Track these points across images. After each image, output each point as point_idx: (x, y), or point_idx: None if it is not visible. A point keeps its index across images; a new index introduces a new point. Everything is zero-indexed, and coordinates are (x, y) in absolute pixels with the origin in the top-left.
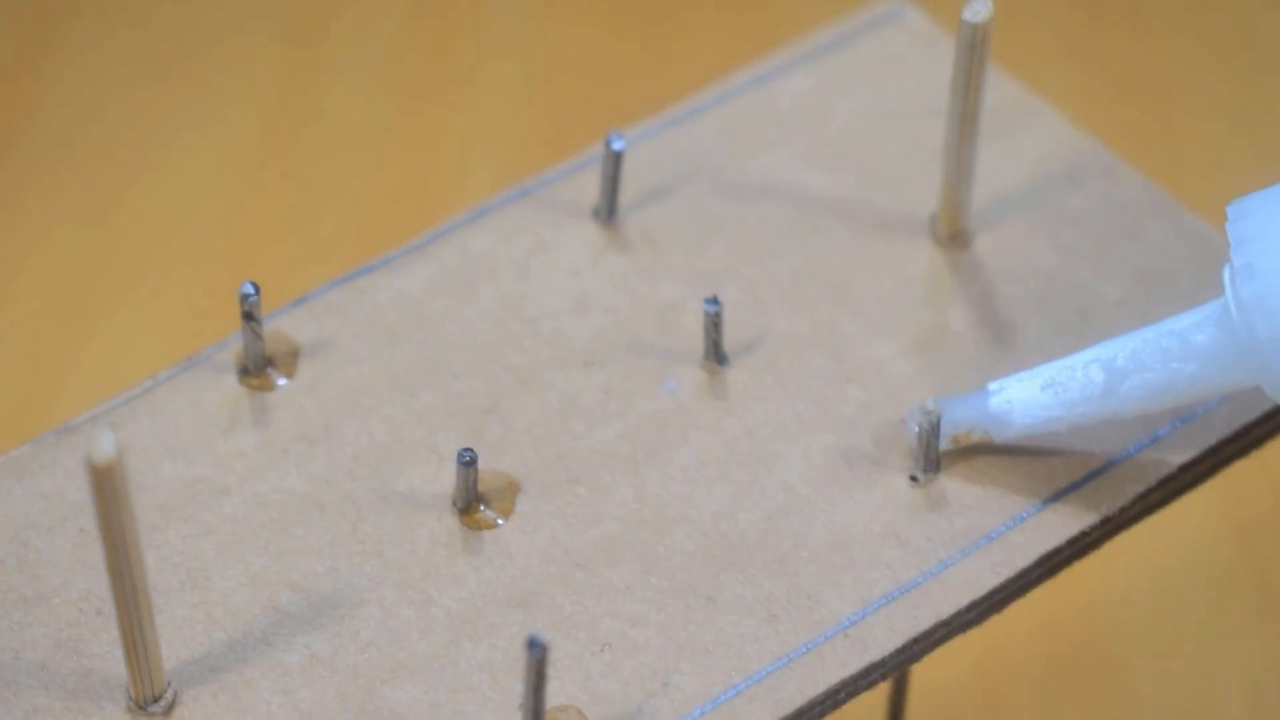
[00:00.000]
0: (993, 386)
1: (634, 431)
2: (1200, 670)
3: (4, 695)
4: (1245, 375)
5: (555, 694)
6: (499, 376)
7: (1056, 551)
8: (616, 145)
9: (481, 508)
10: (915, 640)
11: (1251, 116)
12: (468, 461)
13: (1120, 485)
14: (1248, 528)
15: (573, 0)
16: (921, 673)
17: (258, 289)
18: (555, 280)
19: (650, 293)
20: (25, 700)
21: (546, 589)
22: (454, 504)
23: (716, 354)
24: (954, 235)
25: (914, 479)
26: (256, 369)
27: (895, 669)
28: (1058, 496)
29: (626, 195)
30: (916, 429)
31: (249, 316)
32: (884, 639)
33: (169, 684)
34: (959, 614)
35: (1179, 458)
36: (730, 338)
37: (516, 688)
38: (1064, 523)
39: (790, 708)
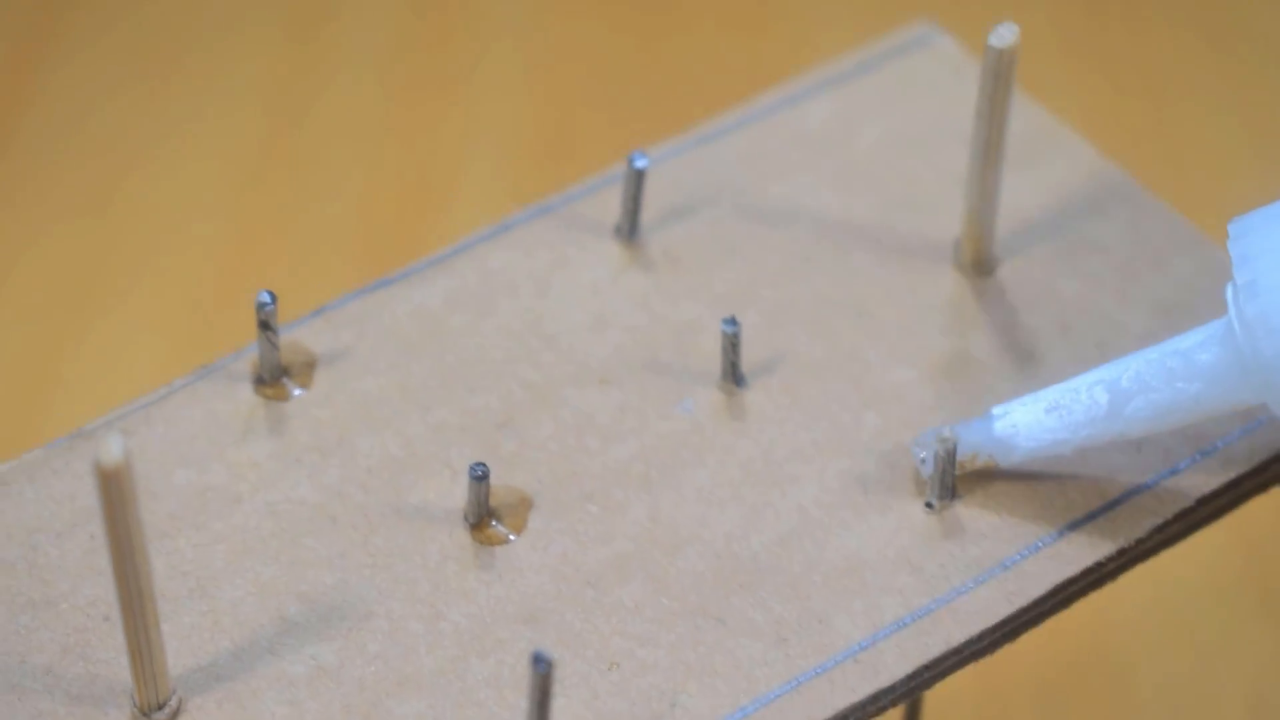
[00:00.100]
0: (997, 411)
1: (649, 451)
2: (1203, 678)
3: (9, 699)
4: (1250, 393)
5: (562, 712)
6: (515, 392)
7: (1071, 582)
8: (640, 164)
9: (493, 523)
10: (926, 667)
11: (1252, 114)
12: (480, 476)
13: (1137, 517)
14: (1252, 535)
15: None
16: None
17: (274, 298)
18: (574, 297)
19: (669, 312)
20: (30, 704)
21: (556, 606)
22: (466, 519)
23: (734, 375)
24: (977, 262)
25: (929, 505)
26: (272, 379)
27: (905, 696)
28: (1074, 526)
29: (648, 214)
30: (922, 456)
31: (265, 325)
32: (894, 665)
33: (174, 691)
34: (970, 642)
35: (1197, 491)
36: (748, 359)
37: (523, 704)
38: (1079, 553)
39: None
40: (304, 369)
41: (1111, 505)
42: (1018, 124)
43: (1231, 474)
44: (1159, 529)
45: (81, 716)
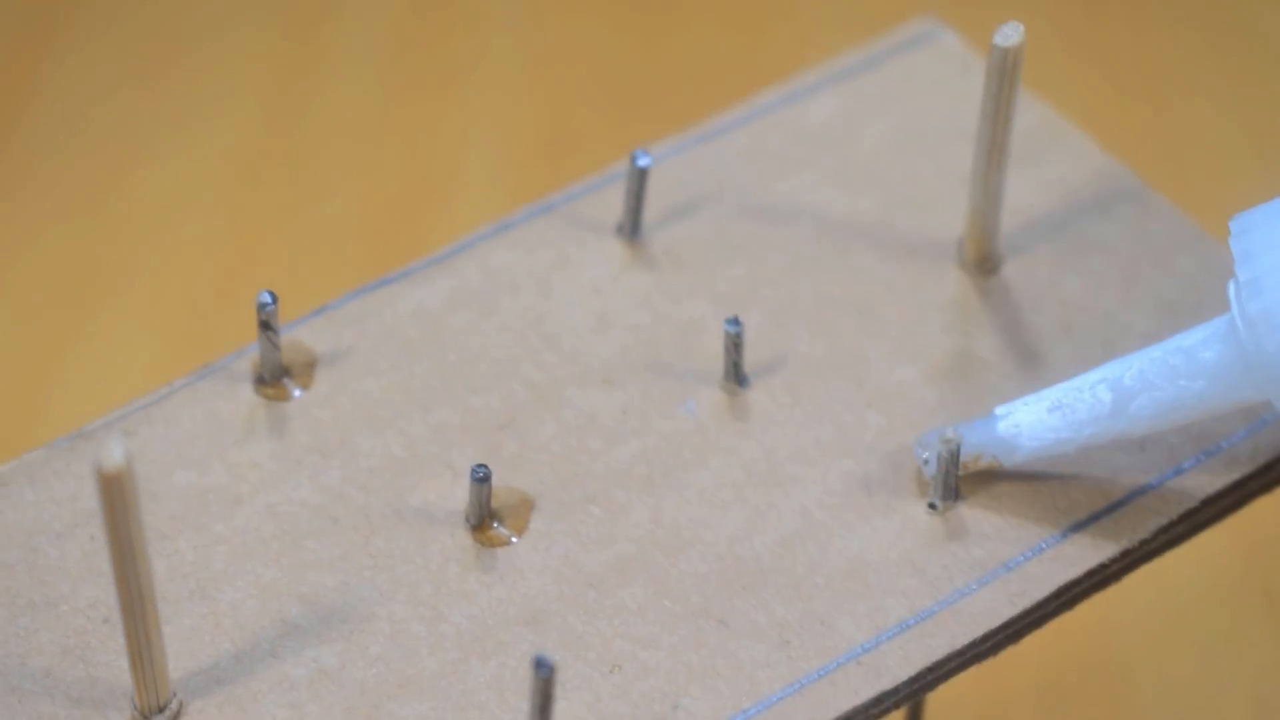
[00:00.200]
0: (1000, 411)
1: (651, 451)
2: (1206, 679)
3: (9, 701)
4: (1254, 390)
5: (564, 714)
6: (517, 392)
7: (1075, 583)
8: (642, 162)
9: (495, 525)
10: (929, 669)
11: (1253, 112)
12: (482, 478)
13: (1141, 517)
14: (1254, 536)
15: None
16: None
17: (275, 298)
18: (576, 297)
19: (672, 312)
20: (30, 707)
21: (558, 608)
22: (467, 520)
23: (737, 375)
24: (981, 261)
25: (932, 506)
26: (273, 379)
27: (908, 698)
28: (1077, 527)
29: (651, 212)
30: (925, 456)
31: (266, 326)
32: (897, 667)
33: (174, 694)
34: (974, 644)
35: (1202, 491)
36: (751, 359)
37: (525, 707)
38: (1083, 554)
39: None
40: (305, 369)
41: (1115, 506)
42: (1021, 121)
43: (1236, 474)
44: (1163, 530)
45: (81, 719)
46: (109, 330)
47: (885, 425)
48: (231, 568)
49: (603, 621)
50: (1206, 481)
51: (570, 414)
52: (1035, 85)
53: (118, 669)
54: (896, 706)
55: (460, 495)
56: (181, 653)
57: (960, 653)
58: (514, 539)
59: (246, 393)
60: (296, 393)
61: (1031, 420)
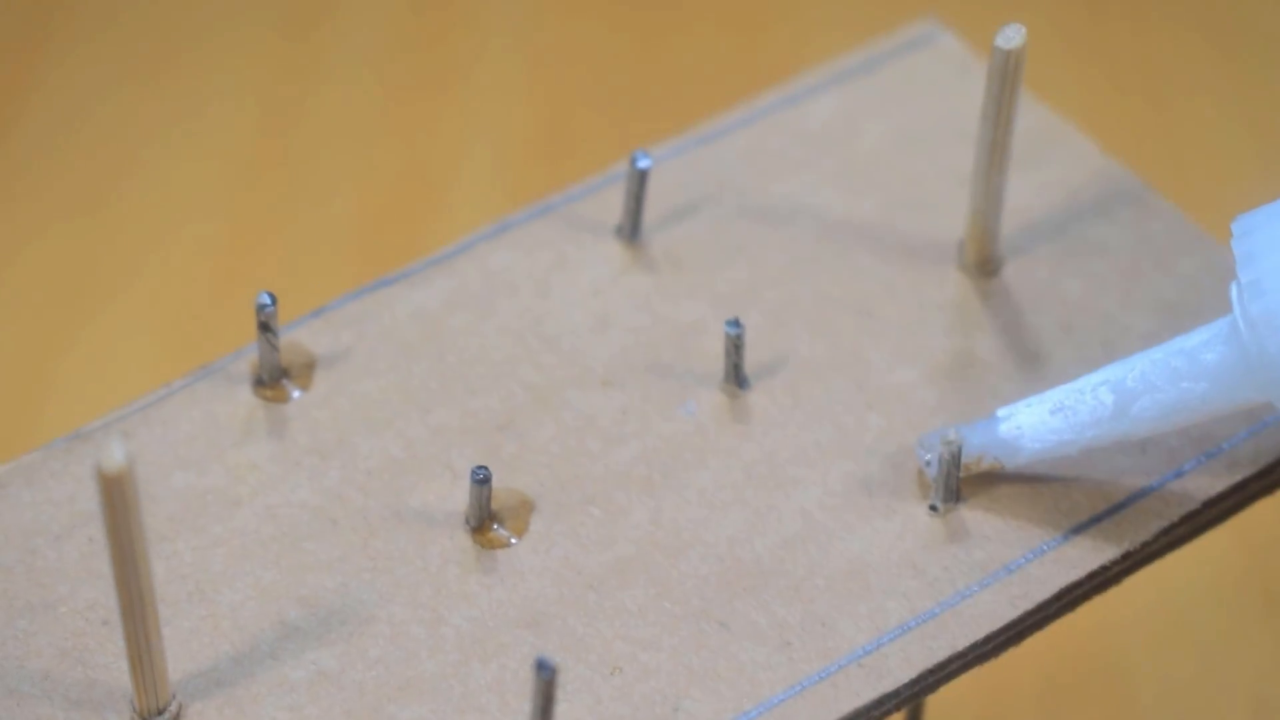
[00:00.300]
0: (1002, 413)
1: (651, 453)
2: (1206, 681)
3: (7, 704)
4: (1256, 392)
5: (564, 717)
6: (516, 394)
7: (1076, 585)
8: (642, 163)
9: (495, 526)
10: (930, 671)
11: (1254, 113)
12: (482, 479)
13: (1142, 519)
14: (1255, 537)
15: None
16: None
17: (274, 299)
18: (576, 298)
19: (671, 313)
20: (28, 709)
21: (558, 610)
22: (467, 522)
23: (737, 377)
24: (981, 263)
25: (933, 508)
26: (271, 380)
27: (909, 700)
28: (1078, 529)
29: (650, 214)
30: (927, 458)
31: (265, 327)
32: (898, 669)
33: (174, 697)
34: (975, 646)
35: (1203, 493)
36: (751, 361)
37: (526, 709)
38: (1084, 556)
39: None
40: (303, 370)
41: (1117, 508)
42: (1021, 123)
43: (1237, 476)
44: (1164, 532)
45: None
46: (106, 331)
47: (886, 427)
48: (230, 569)
49: (603, 623)
50: (1208, 483)
51: (570, 415)
52: (1035, 86)
53: (117, 671)
54: (898, 708)
55: (459, 497)
56: (180, 655)
57: (961, 654)
58: (514, 541)
59: (245, 394)
60: (295, 394)
61: (1034, 422)
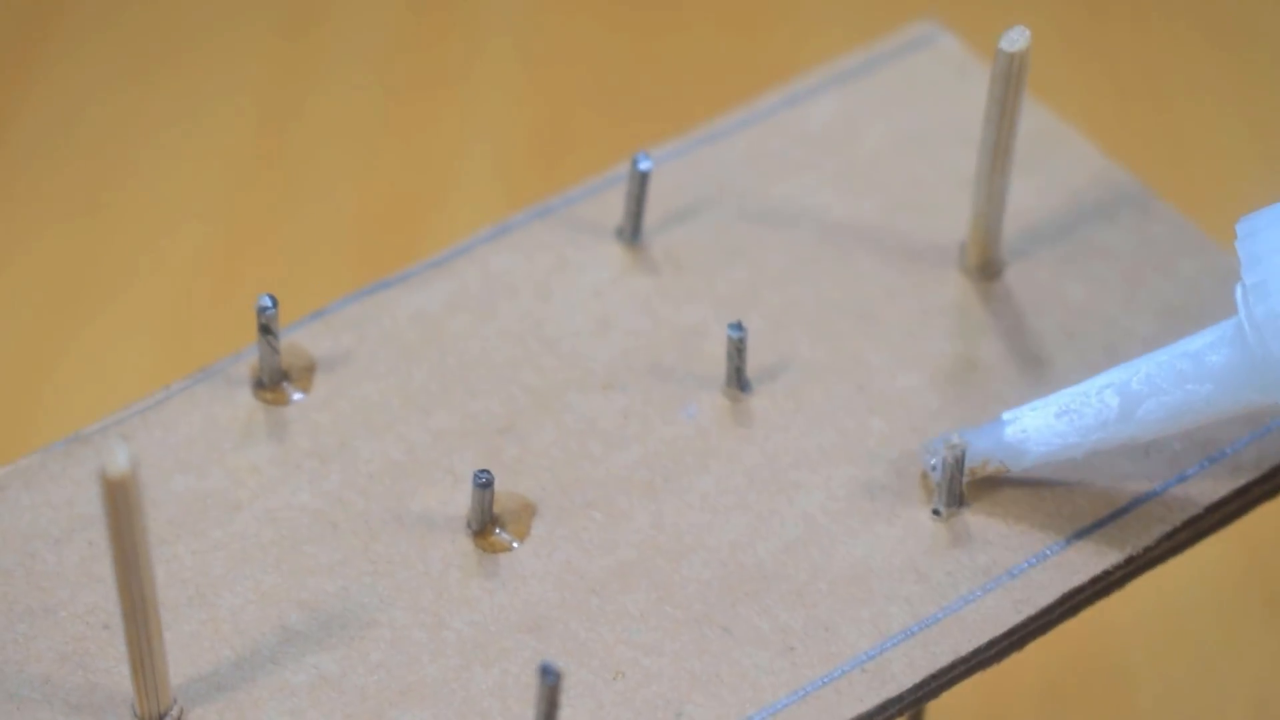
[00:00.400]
0: (1007, 416)
1: (653, 457)
2: (1207, 683)
3: (7, 709)
4: (1261, 393)
5: None
6: (517, 397)
7: (1079, 590)
8: (643, 165)
9: (496, 530)
10: (933, 676)
11: (1257, 114)
12: (484, 483)
13: (1146, 524)
14: (1255, 540)
15: None
16: None
17: (275, 302)
18: (576, 300)
19: (673, 316)
20: (28, 714)
21: (560, 614)
22: (468, 526)
23: (739, 380)
24: (983, 266)
25: (936, 513)
26: (272, 383)
27: (912, 705)
28: (1082, 534)
29: (651, 216)
30: (932, 462)
31: (266, 330)
32: (901, 675)
33: (175, 701)
34: (978, 651)
35: (1206, 498)
36: (753, 364)
37: (527, 714)
38: (1087, 561)
39: None
40: (303, 373)
41: (1120, 513)
42: (1023, 126)
43: (1240, 481)
44: (1167, 537)
45: None
46: (104, 333)
47: (888, 431)
48: (231, 573)
49: (605, 628)
50: (1210, 488)
51: (571, 419)
52: (1036, 87)
53: (117, 675)
54: (900, 713)
55: (461, 500)
56: (181, 659)
57: (964, 660)
58: (515, 545)
59: (245, 397)
60: (295, 397)
61: (1039, 425)
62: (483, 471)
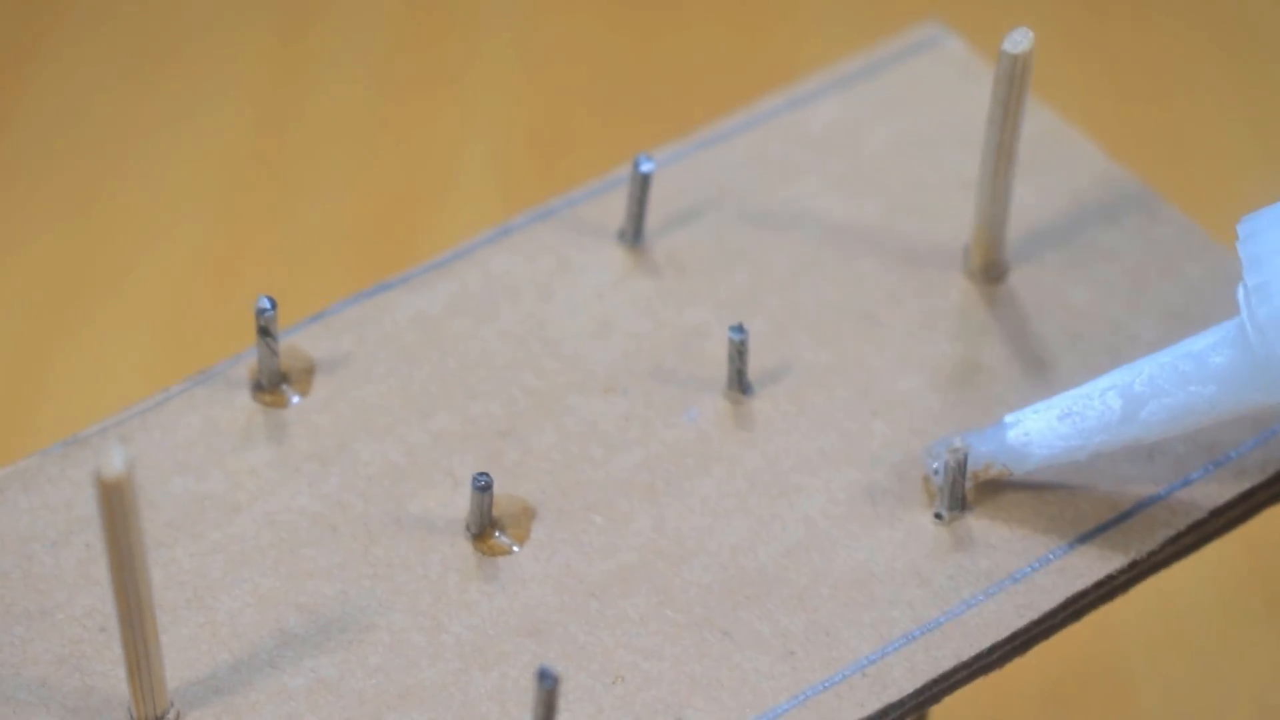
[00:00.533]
0: (1009, 419)
1: (654, 460)
2: (1209, 685)
3: (4, 711)
4: (1264, 394)
5: None
6: (517, 399)
7: (1082, 594)
8: (645, 167)
9: (496, 534)
10: (935, 681)
11: (1259, 115)
12: (483, 486)
13: (1149, 529)
14: (1257, 542)
15: None
16: None
17: (274, 304)
18: (578, 303)
19: (674, 318)
20: (24, 717)
21: (559, 618)
22: (468, 529)
23: (740, 383)
24: (986, 269)
25: (938, 516)
26: (271, 385)
27: (913, 710)
28: (1085, 539)
29: (653, 218)
30: (935, 466)
31: (265, 332)
32: (903, 679)
33: (171, 704)
34: (980, 655)
35: (1210, 502)
36: (755, 367)
37: (526, 718)
38: (1090, 566)
39: None
40: (303, 375)
41: (1123, 517)
42: (1026, 128)
43: (1245, 485)
44: (1171, 540)
45: None
46: (102, 335)
47: (890, 434)
48: (229, 576)
49: (605, 632)
50: (1215, 492)
51: (572, 421)
52: (1039, 89)
53: (114, 678)
54: (902, 718)
55: (460, 503)
56: (178, 662)
57: (966, 664)
58: (515, 548)
59: (244, 399)
60: (295, 399)
61: (1041, 428)
62: (482, 474)
